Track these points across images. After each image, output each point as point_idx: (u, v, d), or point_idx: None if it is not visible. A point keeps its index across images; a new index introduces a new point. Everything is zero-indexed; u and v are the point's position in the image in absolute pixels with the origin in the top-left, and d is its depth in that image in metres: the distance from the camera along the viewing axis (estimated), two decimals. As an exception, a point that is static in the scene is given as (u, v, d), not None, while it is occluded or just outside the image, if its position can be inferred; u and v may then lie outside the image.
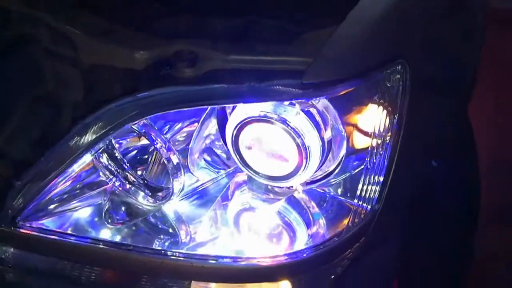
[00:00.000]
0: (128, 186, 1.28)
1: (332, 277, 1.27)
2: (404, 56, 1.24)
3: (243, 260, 1.23)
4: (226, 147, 1.27)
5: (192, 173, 1.28)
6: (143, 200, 1.28)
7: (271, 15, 1.19)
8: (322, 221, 1.30)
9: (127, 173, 1.28)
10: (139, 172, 1.31)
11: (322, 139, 1.21)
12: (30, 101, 1.27)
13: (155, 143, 1.23)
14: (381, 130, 1.25)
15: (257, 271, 1.22)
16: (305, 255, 1.23)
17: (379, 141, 1.25)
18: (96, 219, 1.32)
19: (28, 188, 1.25)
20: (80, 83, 1.23)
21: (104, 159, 1.27)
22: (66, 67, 1.24)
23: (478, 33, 1.43)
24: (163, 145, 1.23)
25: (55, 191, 1.27)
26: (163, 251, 1.25)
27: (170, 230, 1.30)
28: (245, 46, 1.18)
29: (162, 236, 1.30)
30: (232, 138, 1.24)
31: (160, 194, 1.27)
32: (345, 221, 1.27)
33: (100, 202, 1.32)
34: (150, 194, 1.28)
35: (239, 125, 1.22)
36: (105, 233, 1.31)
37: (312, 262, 1.23)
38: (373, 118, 1.25)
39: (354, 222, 1.26)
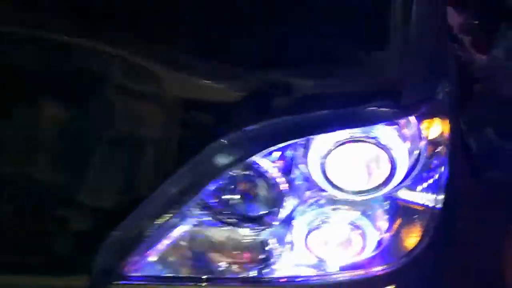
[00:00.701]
0: (225, 227, 1.29)
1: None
2: (447, 72, 1.38)
3: (353, 272, 1.30)
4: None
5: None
6: (244, 232, 1.30)
7: (356, 37, 1.26)
8: (394, 227, 1.38)
9: (223, 217, 1.28)
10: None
11: (408, 151, 1.31)
12: (130, 141, 1.25)
13: (262, 168, 1.26)
14: (444, 138, 1.37)
15: (368, 281, 1.30)
16: (404, 261, 1.32)
17: (443, 149, 1.37)
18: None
19: (132, 236, 1.24)
20: (185, 121, 1.24)
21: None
22: (165, 105, 1.24)
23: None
24: (273, 170, 1.26)
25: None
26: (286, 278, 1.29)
27: (262, 255, 1.33)
28: (343, 70, 1.24)
29: (253, 263, 1.33)
30: (320, 164, 1.27)
31: (264, 221, 1.29)
32: (419, 225, 1.37)
33: None
34: (253, 227, 1.29)
35: (326, 149, 1.26)
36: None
37: (409, 267, 1.32)
38: (437, 128, 1.37)
39: (428, 226, 1.36)
